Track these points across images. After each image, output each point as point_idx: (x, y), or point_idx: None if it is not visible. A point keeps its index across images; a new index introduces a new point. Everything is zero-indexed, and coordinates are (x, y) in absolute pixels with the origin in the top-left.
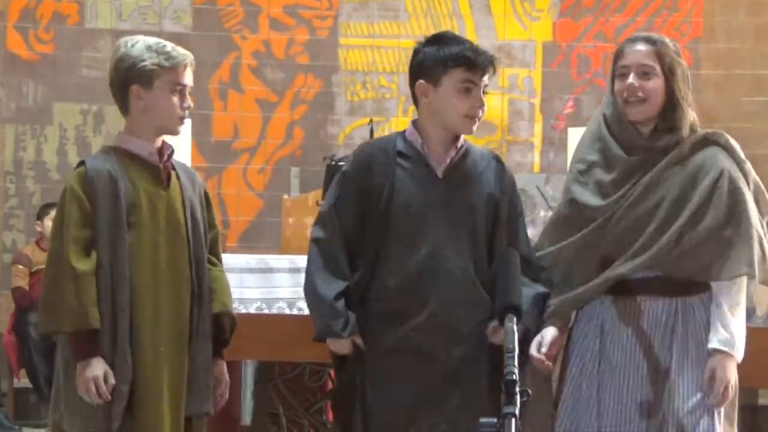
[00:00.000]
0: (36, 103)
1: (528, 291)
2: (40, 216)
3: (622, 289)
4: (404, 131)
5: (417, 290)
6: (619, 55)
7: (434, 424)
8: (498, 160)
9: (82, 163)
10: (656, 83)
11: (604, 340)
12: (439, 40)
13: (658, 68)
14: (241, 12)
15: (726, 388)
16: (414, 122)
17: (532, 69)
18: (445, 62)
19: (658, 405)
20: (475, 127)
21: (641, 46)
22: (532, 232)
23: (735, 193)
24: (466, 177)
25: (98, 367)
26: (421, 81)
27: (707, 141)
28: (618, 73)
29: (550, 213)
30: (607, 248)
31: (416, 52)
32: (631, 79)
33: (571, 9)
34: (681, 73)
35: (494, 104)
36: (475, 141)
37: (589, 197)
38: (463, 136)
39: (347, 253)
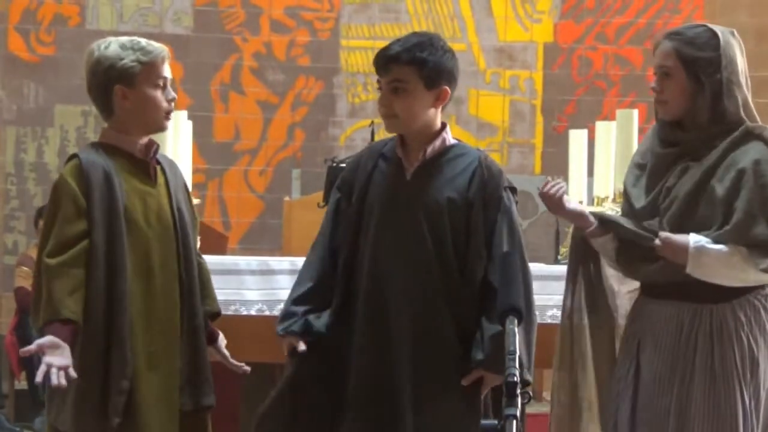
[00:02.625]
0: (37, 105)
1: (489, 330)
2: (38, 218)
3: (652, 292)
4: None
5: (362, 289)
6: (654, 51)
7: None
8: (481, 162)
9: (74, 156)
10: (675, 83)
11: (642, 345)
12: None
13: (678, 66)
14: (242, 14)
15: None
16: None
17: (533, 70)
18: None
19: (686, 414)
20: (393, 128)
21: (664, 45)
22: (533, 234)
23: (760, 188)
24: (435, 179)
25: (64, 357)
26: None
27: (749, 136)
28: (654, 71)
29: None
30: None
31: None
32: (654, 82)
33: (572, 10)
34: (716, 65)
35: (495, 105)
36: (476, 142)
37: (636, 192)
38: (445, 136)
39: (331, 248)
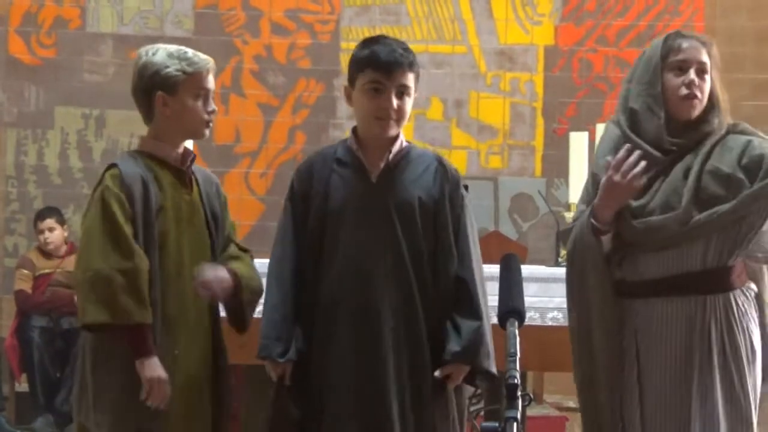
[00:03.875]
0: (38, 108)
1: (465, 325)
2: (38, 220)
3: (647, 290)
4: (347, 138)
5: (342, 293)
6: (672, 49)
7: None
8: (440, 162)
9: (114, 165)
10: (708, 84)
11: (640, 345)
12: (363, 41)
13: (707, 68)
14: (243, 16)
15: None
16: (354, 128)
17: (533, 73)
18: (358, 63)
19: (690, 408)
20: (391, 130)
21: (697, 44)
22: (534, 237)
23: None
24: (401, 180)
25: (158, 367)
26: (345, 84)
27: (729, 129)
28: (672, 66)
29: (551, 216)
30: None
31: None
32: (693, 75)
33: (572, 13)
34: (718, 75)
35: (496, 108)
36: (477, 145)
37: None
38: (402, 139)
39: (300, 261)
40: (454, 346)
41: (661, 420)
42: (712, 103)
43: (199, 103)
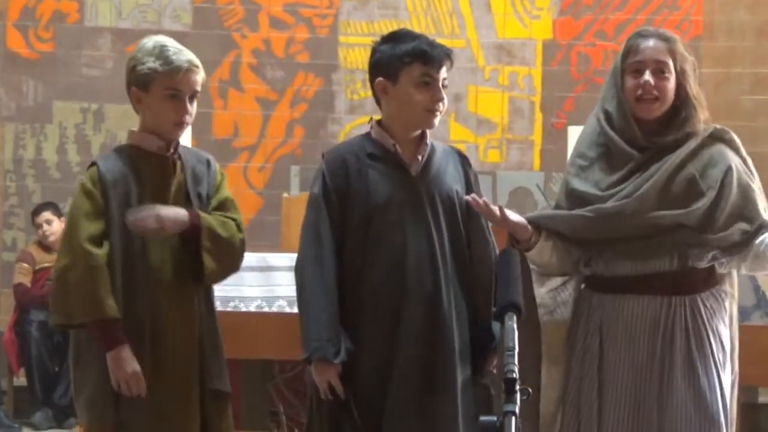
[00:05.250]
0: (36, 102)
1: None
2: (36, 215)
3: (617, 286)
4: (368, 133)
5: (401, 288)
6: (630, 50)
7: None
8: (460, 154)
9: (93, 163)
10: (670, 82)
11: (604, 340)
12: (394, 37)
13: (671, 66)
14: (241, 10)
15: None
16: (378, 123)
17: (532, 67)
18: (402, 58)
19: (669, 405)
20: (436, 121)
21: (656, 43)
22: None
23: (746, 189)
24: (437, 174)
25: (130, 361)
26: (380, 79)
27: (714, 138)
28: (630, 68)
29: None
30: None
31: (373, 51)
32: (647, 76)
33: (571, 7)
34: (691, 71)
35: (494, 102)
36: (476, 139)
37: (589, 188)
38: (428, 134)
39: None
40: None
41: (621, 417)
42: (682, 100)
43: (170, 104)
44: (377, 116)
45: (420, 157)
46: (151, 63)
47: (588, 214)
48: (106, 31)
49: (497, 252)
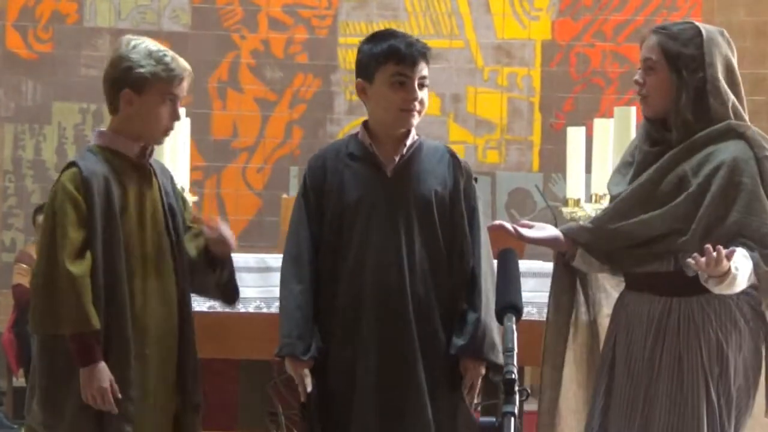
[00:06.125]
0: (35, 102)
1: (470, 317)
2: (36, 215)
3: (634, 284)
4: (357, 133)
5: (361, 289)
6: (641, 48)
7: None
8: (452, 154)
9: (73, 163)
10: (658, 78)
11: (617, 340)
12: (375, 36)
13: (662, 61)
14: (240, 11)
15: None
16: (364, 123)
17: (531, 68)
18: (377, 58)
19: (652, 409)
20: (414, 121)
21: (649, 39)
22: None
23: (735, 186)
24: (416, 173)
25: (104, 377)
26: (359, 79)
27: (731, 133)
28: (640, 66)
29: (548, 211)
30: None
31: (358, 50)
32: (637, 75)
33: (570, 8)
34: (699, 62)
35: (493, 103)
36: (474, 140)
37: (613, 191)
38: (414, 132)
39: (317, 258)
40: (458, 339)
41: (617, 416)
42: (691, 95)
43: (165, 109)
44: None
45: (396, 158)
46: (152, 67)
47: (589, 226)
48: (105, 31)
49: (485, 258)
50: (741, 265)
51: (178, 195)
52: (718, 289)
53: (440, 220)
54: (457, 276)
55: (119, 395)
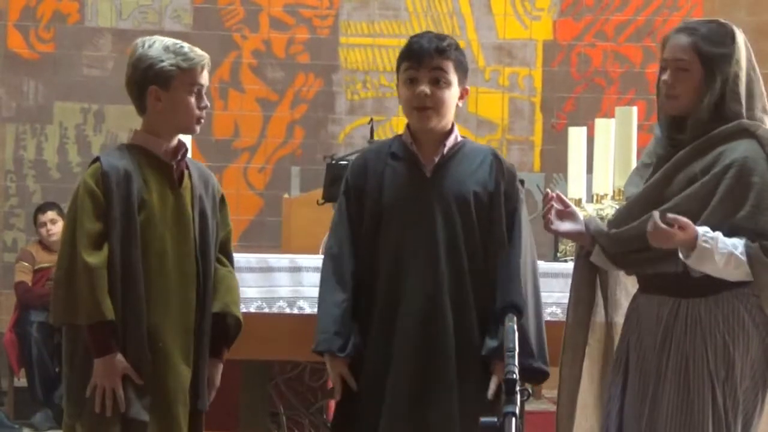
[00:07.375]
0: (36, 102)
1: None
2: (37, 215)
3: (645, 285)
4: (402, 133)
5: (399, 290)
6: (663, 44)
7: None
8: (495, 156)
9: (97, 159)
10: (691, 78)
11: (630, 344)
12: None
13: (696, 61)
14: (242, 11)
15: None
16: (408, 123)
17: (532, 68)
18: (398, 59)
19: (657, 412)
20: (429, 121)
21: (680, 38)
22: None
23: (744, 186)
24: (456, 174)
25: (118, 368)
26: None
27: (742, 132)
28: (660, 65)
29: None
30: None
31: None
32: (666, 75)
33: (571, 8)
34: (728, 62)
35: (495, 103)
36: (476, 140)
37: (630, 192)
38: (456, 133)
39: (357, 257)
40: (491, 340)
41: (629, 416)
42: (716, 96)
43: (192, 99)
44: (378, 117)
45: (436, 158)
46: (172, 60)
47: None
48: (107, 31)
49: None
50: (716, 242)
51: (215, 203)
52: (691, 262)
53: (479, 221)
54: (493, 276)
55: (139, 381)
